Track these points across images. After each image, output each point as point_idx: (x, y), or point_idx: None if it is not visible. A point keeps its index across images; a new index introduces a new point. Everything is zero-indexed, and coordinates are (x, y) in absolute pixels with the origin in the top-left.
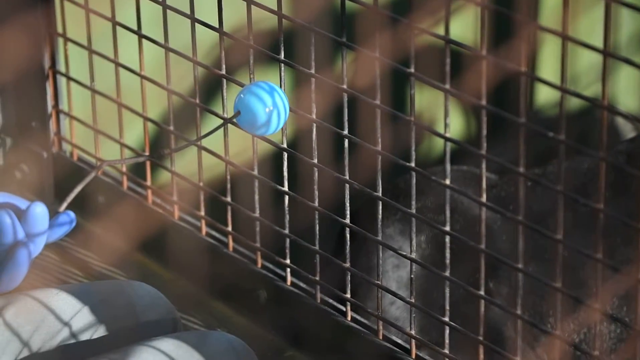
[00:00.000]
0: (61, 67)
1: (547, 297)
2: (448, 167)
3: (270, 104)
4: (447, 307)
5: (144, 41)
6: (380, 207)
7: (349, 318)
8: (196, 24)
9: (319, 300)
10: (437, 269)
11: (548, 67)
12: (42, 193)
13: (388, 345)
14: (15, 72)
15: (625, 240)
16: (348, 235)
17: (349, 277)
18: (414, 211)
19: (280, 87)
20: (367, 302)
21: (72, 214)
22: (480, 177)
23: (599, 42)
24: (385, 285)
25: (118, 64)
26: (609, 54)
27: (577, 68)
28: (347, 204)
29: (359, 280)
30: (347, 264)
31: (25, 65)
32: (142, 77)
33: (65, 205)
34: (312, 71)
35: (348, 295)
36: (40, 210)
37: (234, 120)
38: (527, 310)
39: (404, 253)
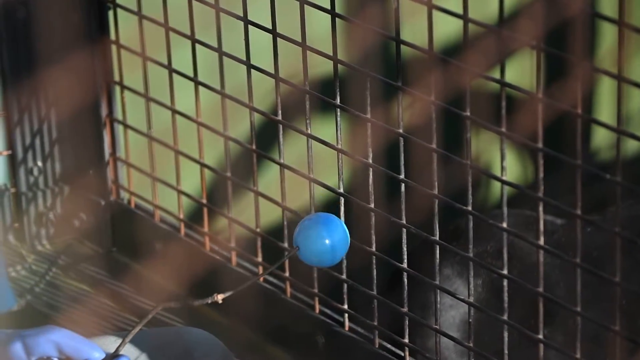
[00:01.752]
0: (118, 114)
1: (605, 344)
2: (505, 210)
3: (328, 237)
4: (506, 352)
5: (200, 87)
6: (438, 251)
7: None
8: (252, 70)
9: (377, 345)
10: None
11: (604, 108)
12: (100, 241)
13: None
14: (73, 120)
15: None
16: (406, 280)
17: (407, 321)
18: (471, 254)
19: (337, 130)
20: (418, 341)
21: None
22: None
23: None
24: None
25: (174, 111)
26: None
27: (632, 108)
28: (405, 248)
29: (412, 321)
30: (405, 309)
31: (83, 113)
32: (199, 123)
33: (122, 346)
34: (368, 115)
35: (406, 340)
36: None
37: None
38: (584, 356)
39: (462, 297)
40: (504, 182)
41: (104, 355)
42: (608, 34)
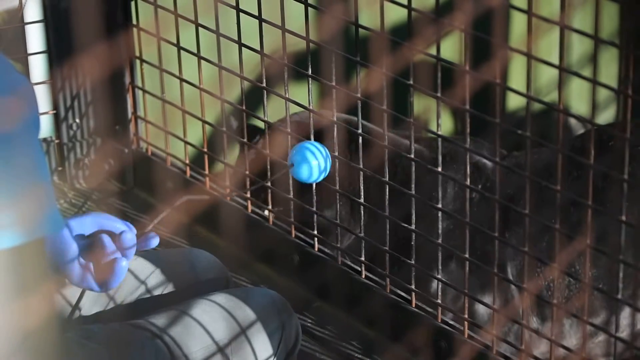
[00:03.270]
0: (138, 82)
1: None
2: (440, 159)
3: (315, 159)
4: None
5: (202, 61)
6: (387, 191)
7: (363, 276)
8: (243, 48)
9: (339, 263)
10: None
11: (517, 80)
12: (124, 180)
13: (394, 297)
14: (103, 86)
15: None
16: (362, 212)
17: (363, 244)
18: (413, 192)
19: (308, 95)
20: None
21: (154, 234)
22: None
23: (555, 60)
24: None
25: (182, 80)
26: (563, 69)
27: (539, 81)
28: (362, 188)
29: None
30: (362, 234)
31: (111, 81)
32: (201, 89)
33: (151, 226)
34: (333, 83)
35: (362, 258)
36: (130, 237)
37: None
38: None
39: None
40: (439, 136)
41: (135, 232)
42: (518, 22)
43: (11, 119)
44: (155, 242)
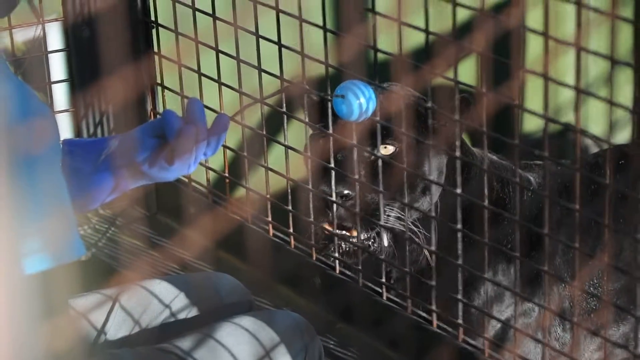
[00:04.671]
0: (160, 108)
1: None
2: (459, 180)
3: (362, 96)
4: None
5: (223, 87)
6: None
7: (384, 297)
8: (262, 73)
9: (360, 284)
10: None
11: (534, 101)
12: (147, 206)
13: (416, 318)
14: (125, 113)
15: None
16: (382, 232)
17: (384, 266)
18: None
19: (329, 120)
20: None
21: (223, 114)
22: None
23: (571, 81)
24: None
25: (204, 107)
26: (580, 90)
27: (557, 101)
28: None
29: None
30: (382, 256)
31: (133, 108)
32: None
33: (236, 115)
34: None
35: (383, 280)
36: (198, 105)
37: (333, 100)
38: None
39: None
40: (457, 158)
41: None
42: (535, 44)
43: (35, 143)
44: (225, 119)
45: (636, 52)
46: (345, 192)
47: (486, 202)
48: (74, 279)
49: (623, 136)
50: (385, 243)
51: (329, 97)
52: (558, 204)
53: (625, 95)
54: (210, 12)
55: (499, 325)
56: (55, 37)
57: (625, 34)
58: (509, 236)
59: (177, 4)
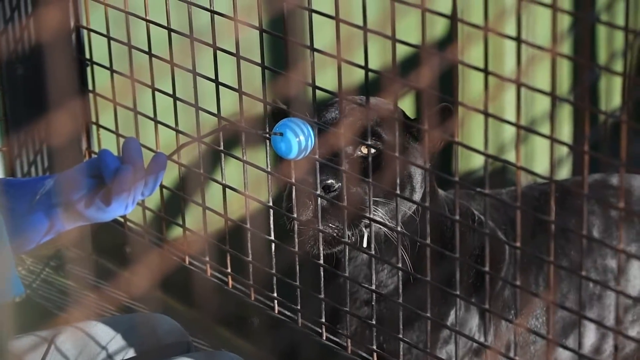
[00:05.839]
0: (95, 148)
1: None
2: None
3: (302, 134)
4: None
5: (159, 125)
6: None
7: (324, 338)
8: (200, 111)
9: (300, 324)
10: None
11: (479, 137)
12: (83, 247)
13: (353, 357)
14: (60, 152)
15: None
16: (322, 273)
17: (324, 305)
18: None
19: (266, 158)
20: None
21: (161, 153)
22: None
23: (512, 117)
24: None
25: (141, 146)
26: (521, 126)
27: (501, 138)
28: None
29: (334, 308)
30: (322, 295)
31: (68, 147)
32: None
33: (174, 154)
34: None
35: (323, 320)
36: (135, 144)
37: (271, 138)
38: None
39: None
40: (427, 169)
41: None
42: (475, 80)
43: None
44: (162, 159)
45: (575, 89)
46: (329, 181)
47: (428, 240)
48: (11, 320)
49: (564, 172)
50: (365, 244)
51: (267, 135)
52: (501, 241)
53: (565, 132)
54: (146, 49)
55: None
56: None
57: (566, 70)
58: (463, 272)
59: (112, 41)
